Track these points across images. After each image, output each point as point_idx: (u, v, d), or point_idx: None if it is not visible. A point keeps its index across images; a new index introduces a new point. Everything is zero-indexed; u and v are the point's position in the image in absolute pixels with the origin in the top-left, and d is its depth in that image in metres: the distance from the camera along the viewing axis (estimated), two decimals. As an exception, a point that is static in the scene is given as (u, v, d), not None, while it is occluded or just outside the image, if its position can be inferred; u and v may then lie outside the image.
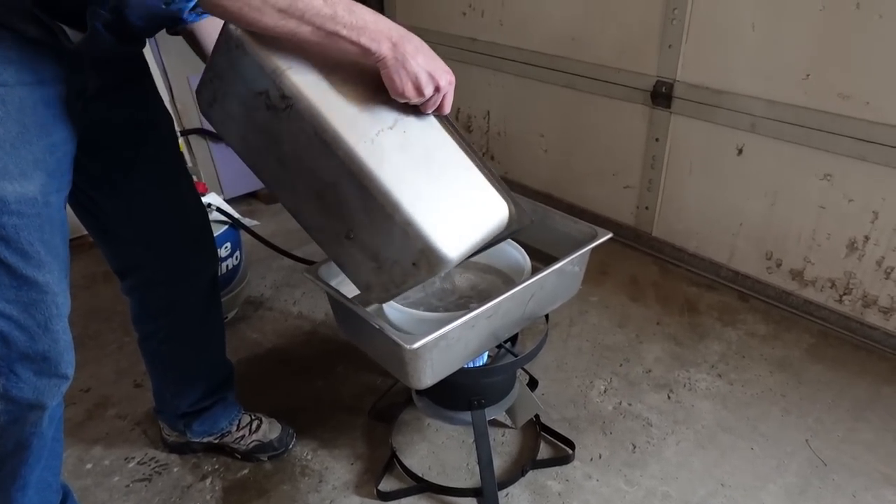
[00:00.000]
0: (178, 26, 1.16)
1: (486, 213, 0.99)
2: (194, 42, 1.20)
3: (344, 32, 0.82)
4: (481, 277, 1.37)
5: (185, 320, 1.36)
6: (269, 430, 1.56)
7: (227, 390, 1.51)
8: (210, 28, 1.17)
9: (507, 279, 1.34)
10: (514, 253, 1.32)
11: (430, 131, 0.98)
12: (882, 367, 1.79)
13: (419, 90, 0.89)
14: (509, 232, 1.04)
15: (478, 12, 2.54)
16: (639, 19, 2.04)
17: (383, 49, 0.85)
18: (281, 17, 0.80)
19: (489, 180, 1.01)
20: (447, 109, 0.96)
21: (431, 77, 0.89)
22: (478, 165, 1.01)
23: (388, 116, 0.94)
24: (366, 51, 0.85)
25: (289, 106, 0.90)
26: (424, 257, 0.92)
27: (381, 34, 0.85)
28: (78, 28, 0.92)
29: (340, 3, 0.81)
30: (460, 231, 0.95)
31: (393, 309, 1.17)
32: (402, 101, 0.92)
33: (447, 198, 0.95)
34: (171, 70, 2.43)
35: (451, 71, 0.92)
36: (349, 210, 0.94)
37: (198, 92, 1.02)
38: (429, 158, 0.96)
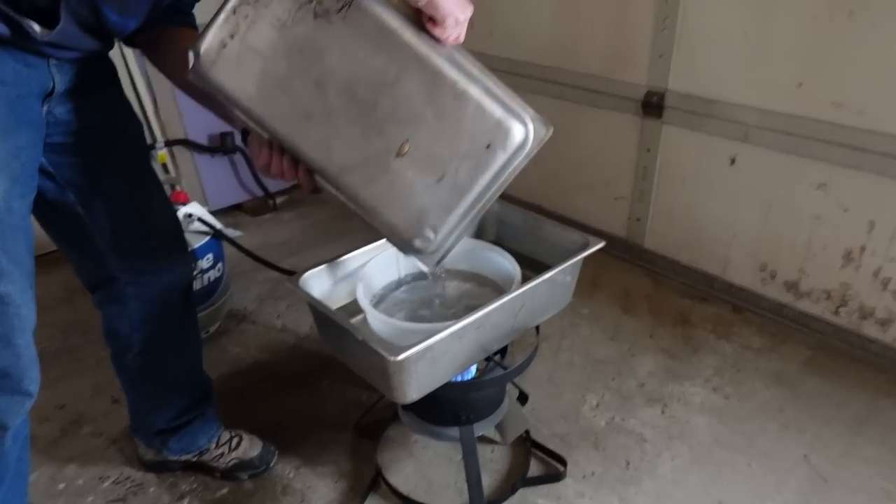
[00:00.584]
0: (152, 28, 1.10)
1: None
2: (156, 51, 1.12)
3: None
4: (470, 287, 1.33)
5: (158, 335, 1.30)
6: (250, 447, 1.50)
7: (205, 406, 1.45)
8: (177, 38, 1.10)
9: (496, 288, 1.30)
10: (503, 262, 1.28)
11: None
12: (880, 379, 1.75)
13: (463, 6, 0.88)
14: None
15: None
16: (629, 29, 2.02)
17: None
18: None
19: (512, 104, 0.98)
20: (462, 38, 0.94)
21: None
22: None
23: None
24: None
25: (346, 4, 0.86)
26: (502, 131, 0.91)
27: None
28: (44, 24, 0.87)
29: None
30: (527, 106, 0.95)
31: (376, 319, 1.12)
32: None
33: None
34: (155, 82, 2.39)
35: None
36: (410, 110, 0.91)
37: (204, 39, 0.91)
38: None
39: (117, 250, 1.19)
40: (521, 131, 0.93)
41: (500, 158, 0.94)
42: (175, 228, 1.29)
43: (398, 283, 1.34)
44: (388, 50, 0.88)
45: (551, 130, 0.99)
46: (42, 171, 1.04)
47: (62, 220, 1.14)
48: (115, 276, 1.22)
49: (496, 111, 0.92)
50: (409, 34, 0.88)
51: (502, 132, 0.92)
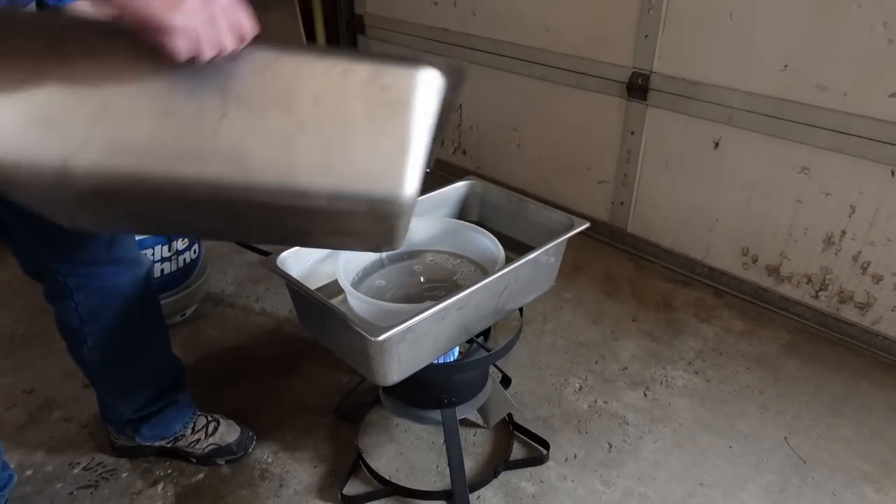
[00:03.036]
0: None
1: (406, 102, 0.74)
2: None
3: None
4: (452, 267, 1.30)
5: (113, 327, 1.23)
6: (227, 432, 1.47)
7: (177, 392, 1.40)
8: None
9: (479, 269, 1.28)
10: (487, 243, 1.26)
11: (263, 74, 0.73)
12: (858, 362, 1.77)
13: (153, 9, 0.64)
14: (454, 83, 0.81)
15: (450, 2, 2.47)
16: (615, 9, 1.99)
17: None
18: None
19: (379, 63, 0.75)
20: (247, 32, 0.71)
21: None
22: (347, 57, 0.75)
23: (204, 100, 0.71)
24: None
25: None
26: (382, 219, 0.75)
27: None
28: None
29: None
30: (392, 150, 0.73)
31: (357, 299, 1.09)
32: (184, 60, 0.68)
33: (350, 135, 0.72)
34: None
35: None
36: (281, 228, 0.78)
37: None
38: (289, 106, 0.72)
39: (51, 243, 1.11)
40: (403, 201, 0.74)
41: (398, 227, 0.78)
42: None
43: (380, 264, 1.31)
44: (190, 210, 0.73)
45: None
46: None
47: None
48: (51, 267, 1.15)
49: (361, 207, 0.74)
50: (194, 183, 0.70)
51: (384, 218, 0.76)
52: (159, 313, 1.35)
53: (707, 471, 1.44)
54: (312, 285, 1.17)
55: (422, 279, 1.27)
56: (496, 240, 1.24)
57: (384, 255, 1.32)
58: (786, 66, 1.69)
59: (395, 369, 1.03)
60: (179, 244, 1.78)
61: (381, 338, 0.93)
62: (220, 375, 1.73)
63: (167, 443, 1.43)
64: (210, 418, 1.48)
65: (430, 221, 1.34)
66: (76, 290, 1.18)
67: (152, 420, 1.38)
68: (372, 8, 2.88)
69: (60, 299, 1.20)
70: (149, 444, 1.42)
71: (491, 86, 2.51)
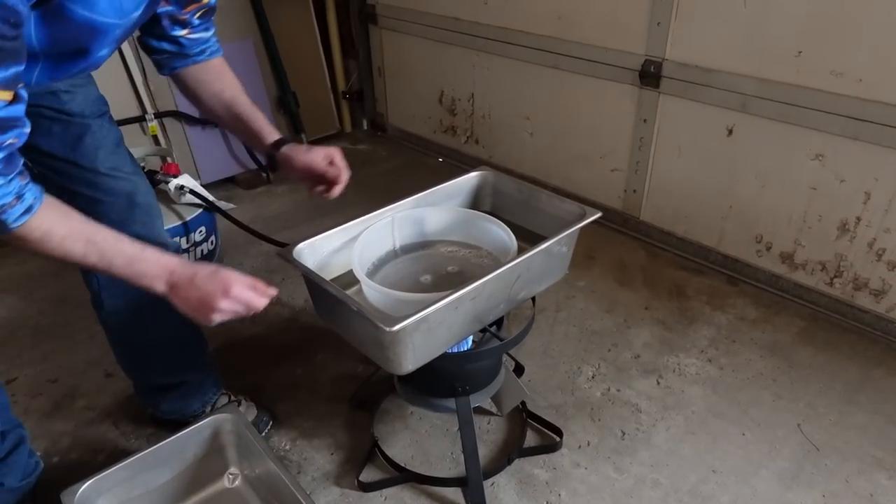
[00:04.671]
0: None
1: None
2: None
3: (123, 278, 0.95)
4: (465, 257, 1.32)
5: (128, 295, 1.27)
6: (246, 413, 1.50)
7: (196, 369, 1.46)
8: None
9: (492, 259, 1.29)
10: (499, 232, 1.27)
11: None
12: (873, 350, 1.76)
13: (206, 318, 0.98)
14: None
15: (462, -9, 2.47)
16: (627, -4, 1.98)
17: (159, 289, 0.97)
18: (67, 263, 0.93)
19: None
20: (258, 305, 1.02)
21: (207, 304, 0.96)
22: None
23: None
24: (147, 289, 0.97)
25: None
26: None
27: (157, 279, 0.96)
28: None
29: (119, 256, 0.93)
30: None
31: (372, 289, 1.11)
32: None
33: None
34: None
35: (229, 282, 0.98)
36: None
37: None
38: None
39: (68, 203, 1.17)
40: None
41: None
42: (136, 194, 1.23)
43: (394, 254, 1.32)
44: None
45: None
46: None
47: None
48: None
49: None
50: None
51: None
52: None
53: (720, 458, 1.45)
54: (328, 276, 1.19)
55: (435, 269, 1.28)
56: (509, 229, 1.25)
57: (398, 246, 1.34)
58: (800, 52, 1.68)
59: (410, 358, 1.05)
60: (197, 236, 1.81)
61: (396, 328, 0.95)
62: (239, 364, 1.76)
63: (188, 419, 1.46)
64: (234, 398, 1.52)
65: (443, 212, 1.36)
66: None
67: (172, 394, 1.43)
68: (383, -2, 2.88)
69: None
70: (170, 418, 1.47)
71: (503, 75, 2.51)
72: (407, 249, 1.34)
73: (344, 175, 1.21)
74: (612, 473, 1.42)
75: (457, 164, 2.90)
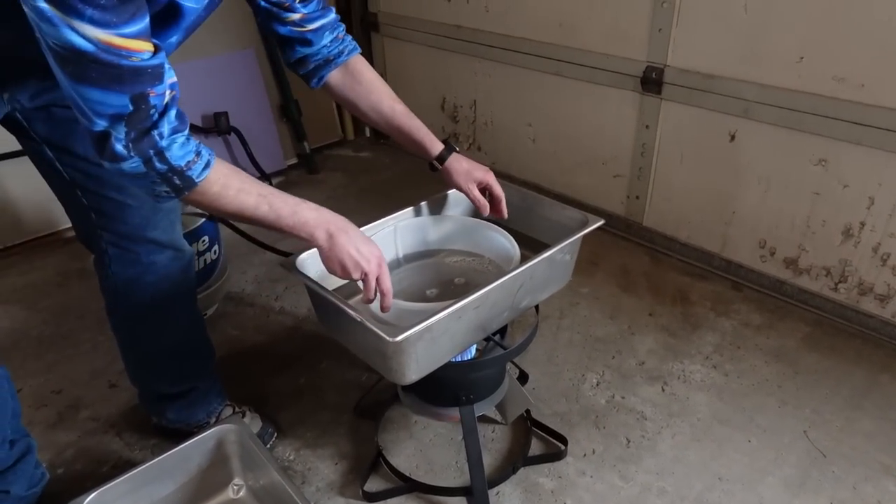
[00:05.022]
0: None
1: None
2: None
3: (287, 229, 1.00)
4: (468, 265, 1.32)
5: (143, 301, 1.29)
6: (251, 425, 1.50)
7: (202, 378, 1.46)
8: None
9: (495, 268, 1.29)
10: (502, 241, 1.26)
11: None
12: (878, 354, 1.75)
13: (346, 274, 1.03)
14: None
15: (463, -1, 2.48)
16: (627, 3, 1.98)
17: (319, 240, 1.02)
18: (235, 218, 0.99)
19: None
20: (387, 303, 1.06)
21: (357, 264, 1.02)
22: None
23: None
24: (306, 240, 1.02)
25: None
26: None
27: (319, 228, 1.01)
28: None
29: (285, 206, 0.99)
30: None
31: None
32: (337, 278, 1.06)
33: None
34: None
35: (379, 257, 1.05)
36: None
37: None
38: None
39: (95, 208, 1.20)
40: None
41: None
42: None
43: (396, 263, 1.32)
44: None
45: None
46: (15, 123, 1.07)
47: (50, 173, 1.17)
48: (97, 233, 1.23)
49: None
50: None
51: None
52: (191, 297, 1.40)
53: (726, 465, 1.44)
54: (330, 285, 1.19)
55: (441, 280, 1.28)
56: (511, 238, 1.25)
57: (401, 254, 1.34)
58: (801, 57, 1.68)
59: (413, 368, 1.05)
60: (200, 245, 1.81)
61: (399, 338, 0.95)
62: (242, 373, 1.76)
63: (192, 429, 1.47)
64: (238, 409, 1.52)
65: (445, 220, 1.36)
66: (114, 260, 1.26)
67: (177, 403, 1.44)
68: (385, 6, 2.89)
69: (101, 267, 1.28)
70: (175, 427, 1.47)
71: (505, 81, 2.51)
72: (410, 259, 1.34)
73: (496, 207, 1.32)
74: (617, 481, 1.41)
75: (459, 171, 2.89)
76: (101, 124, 0.82)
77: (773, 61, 1.74)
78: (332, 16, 1.19)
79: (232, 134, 2.67)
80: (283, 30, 1.15)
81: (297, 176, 2.95)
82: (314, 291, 1.11)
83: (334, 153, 3.18)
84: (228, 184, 0.94)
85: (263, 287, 2.13)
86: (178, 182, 0.89)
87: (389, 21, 2.90)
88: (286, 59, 1.22)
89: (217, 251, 1.90)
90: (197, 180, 0.90)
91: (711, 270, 2.13)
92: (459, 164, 1.27)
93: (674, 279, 2.11)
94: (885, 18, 1.52)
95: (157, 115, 0.84)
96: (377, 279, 1.03)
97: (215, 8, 1.01)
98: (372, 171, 3.00)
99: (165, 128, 0.85)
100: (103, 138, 0.83)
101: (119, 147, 0.83)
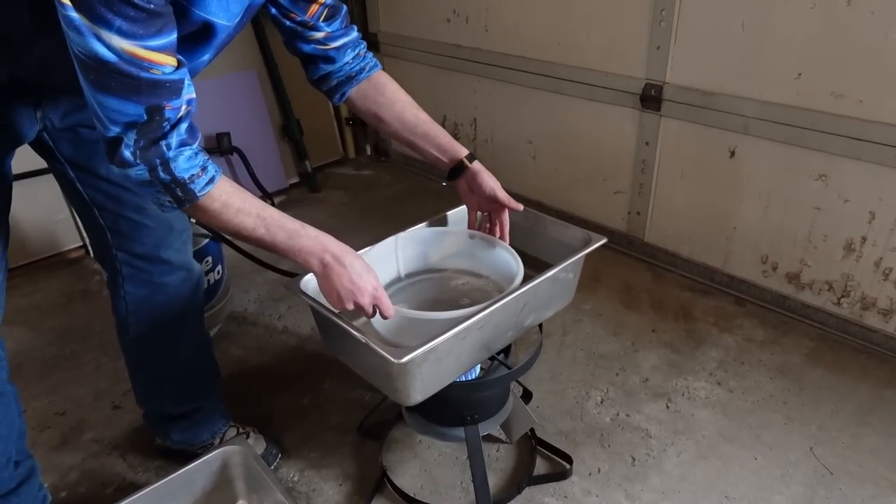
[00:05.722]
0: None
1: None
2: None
3: (283, 254, 1.00)
4: (471, 284, 1.32)
5: (154, 321, 1.32)
6: (255, 446, 1.49)
7: (207, 398, 1.46)
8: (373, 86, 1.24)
9: (498, 287, 1.29)
10: (506, 257, 1.27)
11: None
12: (883, 370, 1.75)
13: (341, 304, 1.02)
14: None
15: (462, 18, 2.51)
16: (626, 21, 2.01)
17: (314, 268, 1.02)
18: (235, 236, 1.00)
19: None
20: (387, 313, 1.06)
21: (351, 295, 1.01)
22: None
23: None
24: (301, 265, 1.02)
25: None
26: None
27: (313, 256, 1.00)
28: None
29: (282, 231, 0.99)
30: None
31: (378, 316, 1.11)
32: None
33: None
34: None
35: (376, 287, 1.03)
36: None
37: None
38: None
39: (112, 228, 1.22)
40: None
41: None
42: (175, 220, 1.28)
43: (397, 280, 1.32)
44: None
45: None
46: (42, 143, 1.11)
47: (71, 192, 1.21)
48: (113, 253, 1.25)
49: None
50: None
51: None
52: (199, 317, 1.42)
53: (732, 483, 1.43)
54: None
55: (440, 296, 1.28)
56: (515, 253, 1.25)
57: (403, 272, 1.34)
58: (799, 74, 1.69)
59: (418, 389, 1.05)
60: (204, 265, 1.82)
61: (404, 360, 0.95)
62: (245, 393, 1.76)
63: (196, 450, 1.46)
64: (242, 430, 1.52)
65: (448, 237, 1.36)
66: (127, 279, 1.28)
67: (182, 423, 1.44)
68: (385, 26, 2.92)
69: (114, 286, 1.30)
70: (179, 448, 1.47)
71: (505, 100, 2.53)
72: (412, 275, 1.34)
73: (499, 232, 1.31)
74: (623, 501, 1.40)
75: (460, 189, 2.90)
76: (115, 130, 0.84)
77: (771, 78, 1.75)
78: (355, 34, 1.20)
79: (234, 154, 2.69)
80: (307, 48, 1.16)
81: (299, 194, 2.97)
82: (319, 313, 1.11)
83: (336, 171, 3.20)
84: (229, 202, 0.94)
85: (266, 306, 2.13)
86: (180, 194, 0.90)
87: (390, 41, 2.92)
88: (310, 77, 1.23)
89: (220, 271, 1.91)
90: (199, 194, 0.91)
91: (714, 286, 2.13)
92: (484, 181, 1.27)
93: (676, 295, 2.11)
94: (882, 33, 1.53)
95: (168, 127, 0.86)
96: (376, 308, 1.04)
97: (244, 27, 1.03)
98: (373, 188, 3.01)
99: (174, 139, 0.87)
100: (114, 143, 0.85)
101: (127, 153, 0.85)
